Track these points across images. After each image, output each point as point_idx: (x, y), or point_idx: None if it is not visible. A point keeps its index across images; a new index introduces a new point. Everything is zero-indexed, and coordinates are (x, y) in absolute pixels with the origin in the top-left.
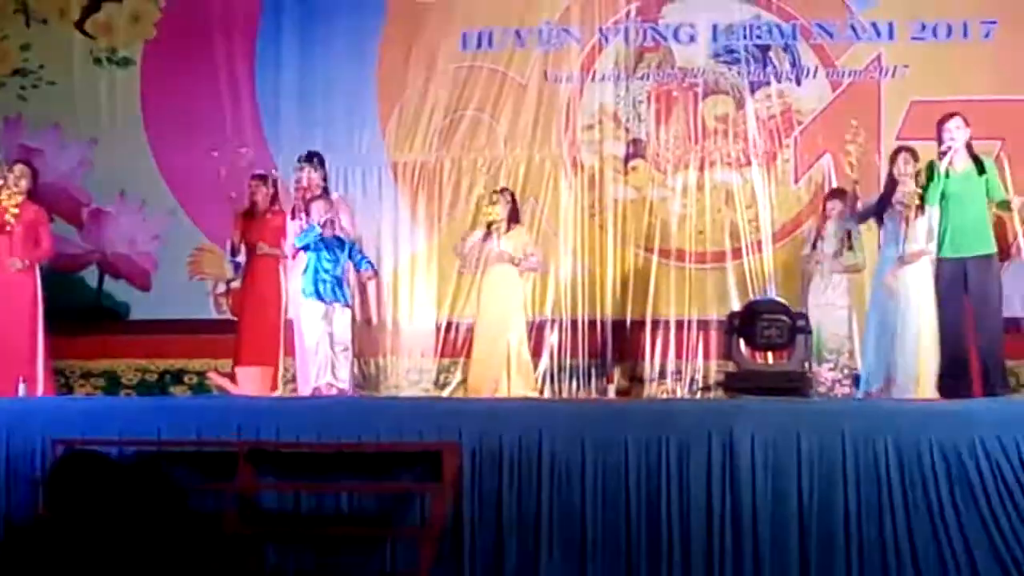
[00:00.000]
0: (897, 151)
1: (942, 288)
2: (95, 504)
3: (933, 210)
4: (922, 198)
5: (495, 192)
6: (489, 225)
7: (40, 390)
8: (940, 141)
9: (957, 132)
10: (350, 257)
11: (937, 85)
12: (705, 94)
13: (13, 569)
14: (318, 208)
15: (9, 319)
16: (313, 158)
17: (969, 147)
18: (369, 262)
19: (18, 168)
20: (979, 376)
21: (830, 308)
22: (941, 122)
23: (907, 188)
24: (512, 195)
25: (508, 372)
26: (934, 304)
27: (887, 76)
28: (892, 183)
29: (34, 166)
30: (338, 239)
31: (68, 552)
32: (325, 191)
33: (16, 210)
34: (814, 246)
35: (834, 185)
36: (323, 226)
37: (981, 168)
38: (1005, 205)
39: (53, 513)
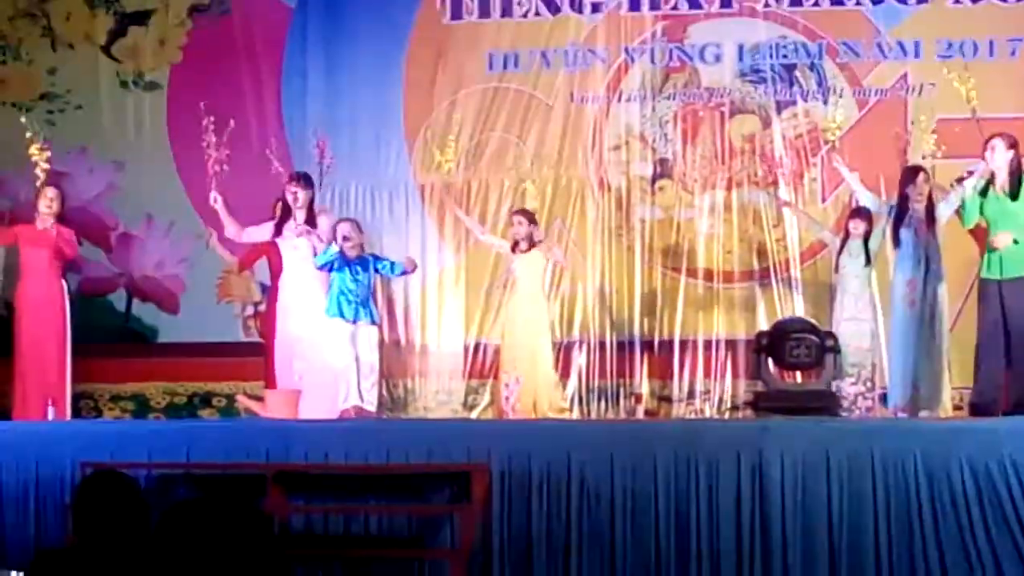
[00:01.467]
0: (914, 171)
1: (981, 308)
2: (121, 525)
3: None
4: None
5: (514, 213)
6: (512, 247)
7: (68, 413)
8: (983, 160)
9: (994, 154)
10: (377, 271)
11: (964, 103)
12: (731, 113)
13: None
14: (342, 230)
15: (39, 339)
16: (302, 178)
17: (1015, 168)
18: (392, 264)
19: (50, 191)
20: (1012, 397)
21: (853, 322)
22: (986, 142)
23: (919, 206)
24: (531, 216)
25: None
26: (948, 323)
27: (913, 94)
28: (904, 201)
29: (62, 189)
30: (361, 258)
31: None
32: (311, 211)
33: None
34: (837, 264)
35: (860, 204)
36: (342, 243)
37: (1018, 193)
38: None
39: (79, 535)
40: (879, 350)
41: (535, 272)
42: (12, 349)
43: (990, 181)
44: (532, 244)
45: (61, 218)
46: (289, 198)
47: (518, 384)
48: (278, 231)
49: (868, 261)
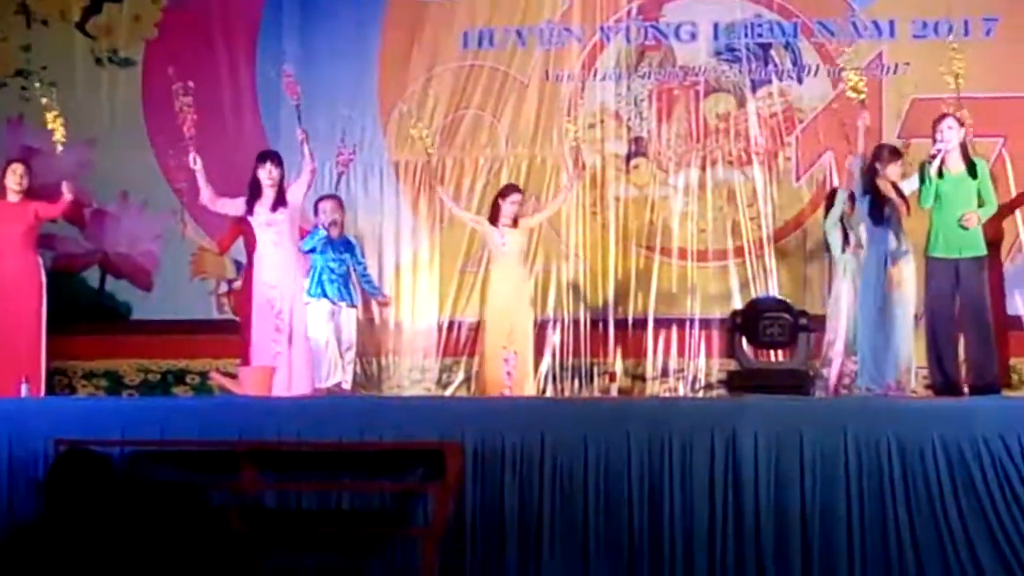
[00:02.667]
0: (879, 149)
1: (932, 288)
2: (93, 503)
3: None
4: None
5: (511, 190)
6: (493, 221)
7: (42, 390)
8: (934, 141)
9: (949, 132)
10: (354, 267)
11: (938, 83)
12: (706, 92)
13: (13, 570)
14: (325, 209)
15: (13, 316)
16: (272, 157)
17: (964, 148)
18: (377, 288)
19: (19, 167)
20: (969, 375)
21: (836, 303)
22: (935, 123)
23: (888, 186)
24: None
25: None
26: (914, 302)
27: (888, 74)
28: (873, 181)
29: (31, 165)
30: (345, 240)
31: (68, 553)
32: (282, 189)
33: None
34: (826, 243)
35: (835, 184)
36: (328, 227)
37: (973, 171)
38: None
39: (52, 512)
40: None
41: (522, 248)
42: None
43: (941, 161)
44: (516, 221)
45: (29, 194)
46: (261, 175)
47: (517, 358)
48: (249, 209)
49: (847, 241)
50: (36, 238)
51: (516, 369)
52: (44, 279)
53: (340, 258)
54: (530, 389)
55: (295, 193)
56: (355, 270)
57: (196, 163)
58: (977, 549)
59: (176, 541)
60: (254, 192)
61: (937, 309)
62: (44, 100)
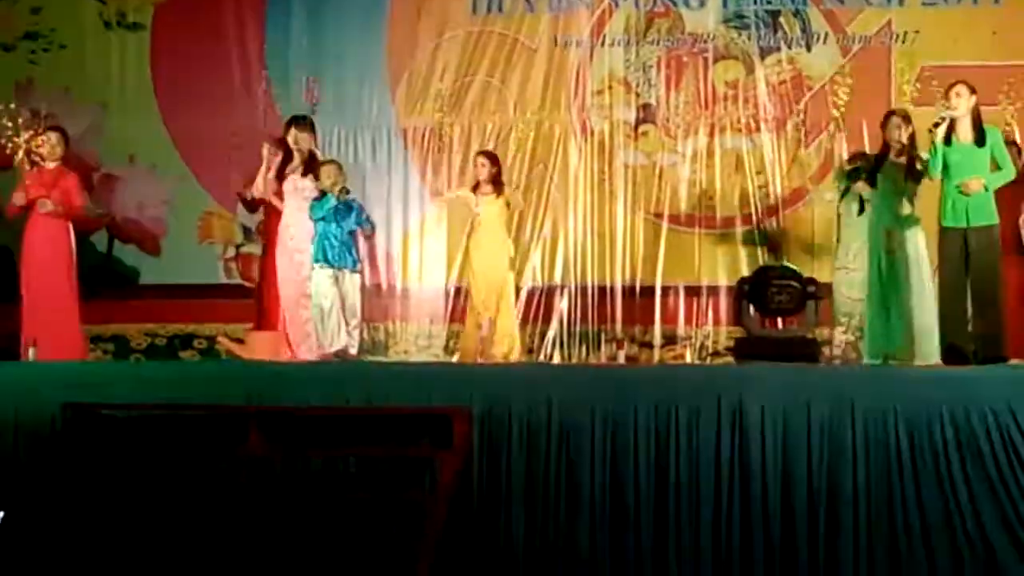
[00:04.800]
0: (889, 115)
1: (943, 257)
2: (103, 463)
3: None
4: (923, 164)
5: (477, 154)
6: (474, 188)
7: (86, 353)
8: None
9: (958, 100)
10: (356, 222)
11: (947, 50)
12: (715, 59)
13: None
14: (329, 173)
15: (46, 282)
16: (303, 120)
17: (976, 116)
18: (370, 221)
19: (52, 135)
20: (977, 344)
21: (844, 272)
22: (946, 91)
23: (898, 151)
24: (493, 157)
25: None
26: (930, 270)
27: (897, 42)
28: (885, 147)
29: (65, 132)
30: (346, 203)
31: (79, 512)
32: (312, 155)
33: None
34: (838, 212)
35: (843, 151)
36: (338, 193)
37: (982, 139)
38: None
39: (64, 474)
40: None
41: (497, 214)
42: (18, 292)
43: (950, 129)
44: (497, 186)
45: (66, 160)
46: (291, 140)
47: (492, 325)
48: (279, 174)
49: (861, 210)
50: (69, 205)
51: (490, 335)
52: (74, 246)
53: (341, 224)
54: (513, 355)
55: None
56: (362, 229)
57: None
58: (984, 518)
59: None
60: (285, 156)
61: (947, 278)
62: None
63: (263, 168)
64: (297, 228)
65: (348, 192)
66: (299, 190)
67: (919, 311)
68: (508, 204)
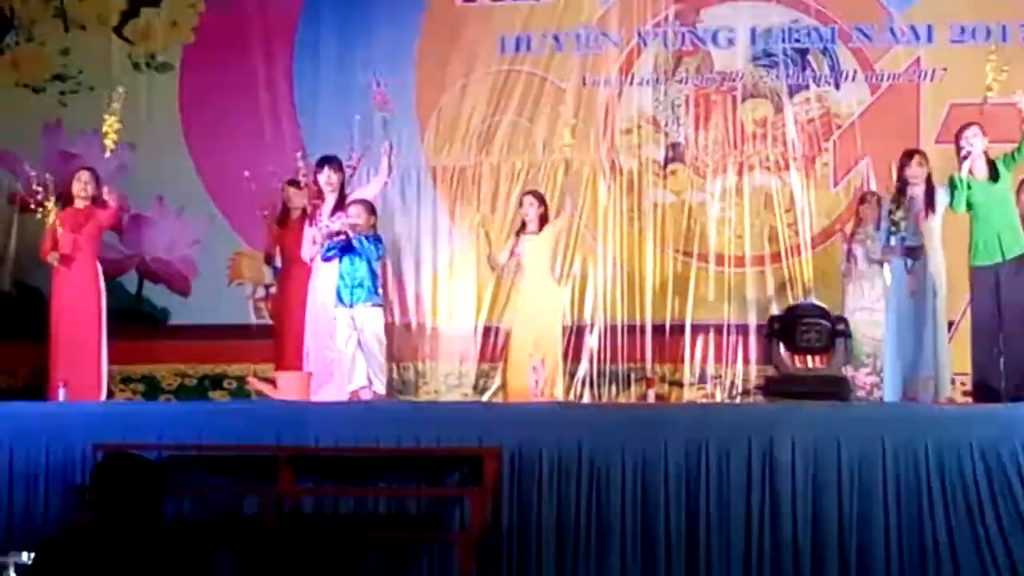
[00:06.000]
0: (909, 154)
1: (975, 296)
2: (137, 505)
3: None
4: (931, 198)
5: (525, 194)
6: (519, 231)
7: (103, 395)
8: (958, 151)
9: (975, 140)
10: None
11: (976, 88)
12: (744, 98)
13: (52, 572)
14: (352, 212)
15: (75, 323)
16: (332, 161)
17: (987, 155)
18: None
19: (84, 174)
20: (1009, 381)
21: (866, 311)
22: (958, 133)
23: (918, 190)
24: (541, 197)
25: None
26: (945, 306)
27: (926, 79)
28: (903, 185)
29: (96, 172)
30: (358, 241)
31: (111, 555)
32: (342, 193)
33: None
34: (849, 251)
35: (872, 188)
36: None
37: (996, 175)
38: None
39: (96, 516)
40: None
41: (544, 254)
42: (47, 331)
43: (970, 169)
44: (542, 225)
45: (95, 201)
46: (321, 180)
47: (544, 366)
48: (311, 218)
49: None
50: (98, 245)
51: (543, 377)
52: (103, 286)
53: (353, 262)
54: (559, 395)
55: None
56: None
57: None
58: (1015, 555)
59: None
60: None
61: (979, 316)
62: (115, 106)
63: (308, 228)
64: (327, 266)
65: (356, 227)
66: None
67: (936, 349)
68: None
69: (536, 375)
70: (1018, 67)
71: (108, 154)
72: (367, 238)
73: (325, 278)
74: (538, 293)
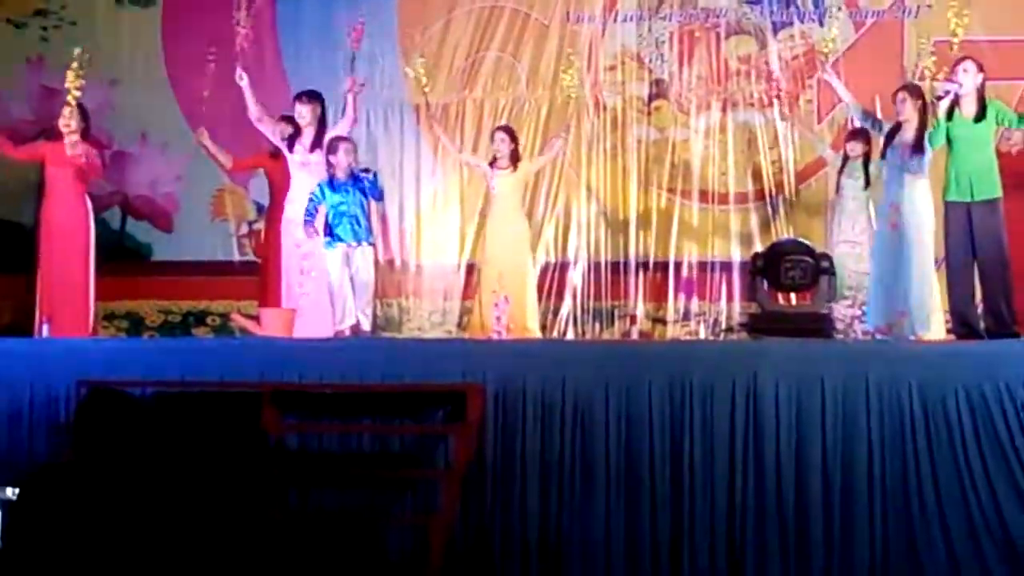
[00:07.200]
0: (898, 90)
1: (948, 232)
2: (122, 441)
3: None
4: (922, 137)
5: (496, 130)
6: (492, 163)
7: (91, 330)
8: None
9: (964, 76)
10: (370, 194)
11: (961, 24)
12: (728, 34)
13: (40, 510)
14: (338, 149)
15: (63, 257)
16: (308, 95)
17: (980, 93)
18: (378, 187)
19: (66, 110)
20: (986, 318)
21: (849, 245)
22: (953, 66)
23: (907, 127)
24: (512, 133)
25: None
26: (932, 243)
27: (910, 16)
28: (897, 122)
29: (84, 113)
30: (353, 176)
31: (95, 492)
32: (321, 129)
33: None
34: (838, 185)
35: (857, 124)
36: (332, 168)
37: (983, 114)
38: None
39: (80, 452)
40: None
41: (515, 190)
42: (35, 266)
43: (955, 104)
44: (515, 162)
45: (86, 133)
46: (299, 113)
47: (507, 303)
48: (289, 146)
49: (867, 183)
50: (86, 180)
51: (507, 314)
52: (92, 222)
53: (346, 198)
54: (523, 333)
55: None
56: (373, 199)
57: (243, 79)
58: (998, 494)
59: (204, 481)
60: (294, 131)
61: (954, 253)
62: (75, 65)
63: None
64: (302, 202)
65: (367, 170)
66: (306, 164)
67: (920, 284)
68: (525, 177)
69: (498, 311)
70: (1002, 5)
71: (68, 110)
72: (368, 178)
73: (299, 212)
74: (506, 230)
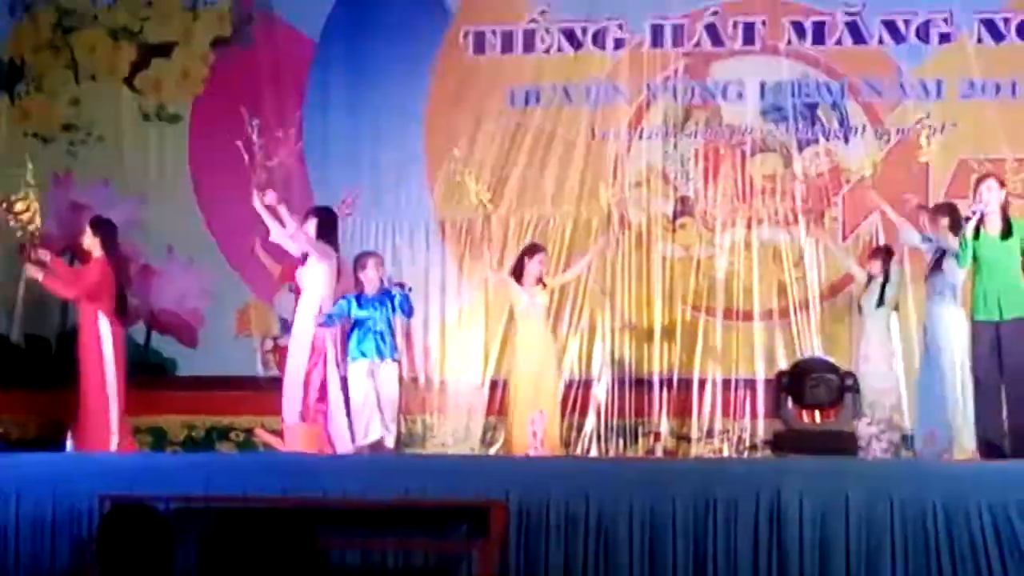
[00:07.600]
0: (936, 209)
1: (977, 351)
2: (146, 559)
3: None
4: (941, 258)
5: (537, 251)
6: (518, 278)
7: (114, 444)
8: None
9: (988, 194)
10: (393, 309)
11: (985, 143)
12: (753, 152)
13: None
14: (365, 264)
15: (92, 374)
16: (314, 212)
17: (1004, 210)
18: (408, 303)
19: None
20: (1012, 437)
21: (870, 363)
22: (976, 183)
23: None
24: (546, 251)
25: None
26: (967, 362)
27: (935, 134)
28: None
29: (107, 229)
30: (383, 292)
31: None
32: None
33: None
34: (859, 304)
35: (882, 243)
36: (363, 283)
37: (1009, 232)
38: None
39: (104, 568)
40: (897, 391)
41: (544, 306)
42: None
43: (981, 222)
44: (540, 280)
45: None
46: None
47: (543, 418)
48: (303, 261)
49: (881, 302)
50: (97, 298)
51: (542, 429)
52: (110, 336)
53: (374, 314)
54: (558, 449)
55: (314, 275)
56: (401, 311)
57: (269, 197)
58: None
59: None
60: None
61: (981, 372)
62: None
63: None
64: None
65: (401, 284)
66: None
67: (954, 404)
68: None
69: (534, 427)
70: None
71: (20, 233)
72: (402, 293)
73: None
74: (536, 346)
